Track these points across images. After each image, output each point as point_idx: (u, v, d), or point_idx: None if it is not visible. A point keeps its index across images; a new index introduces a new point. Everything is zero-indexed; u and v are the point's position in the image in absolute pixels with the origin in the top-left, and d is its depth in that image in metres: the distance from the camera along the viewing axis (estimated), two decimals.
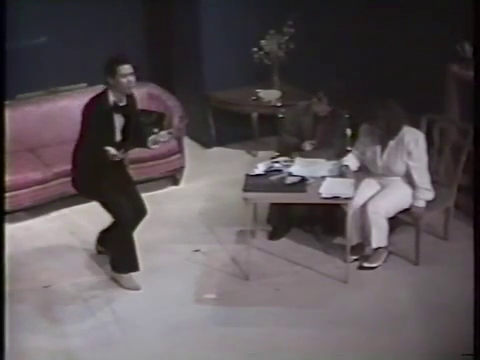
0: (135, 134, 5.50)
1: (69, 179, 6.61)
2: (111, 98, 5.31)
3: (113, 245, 5.64)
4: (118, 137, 5.43)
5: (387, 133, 5.75)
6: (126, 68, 5.25)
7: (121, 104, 5.36)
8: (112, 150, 5.23)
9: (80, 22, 7.42)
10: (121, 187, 5.58)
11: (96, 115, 5.28)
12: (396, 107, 5.72)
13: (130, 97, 5.43)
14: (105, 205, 5.54)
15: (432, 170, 5.94)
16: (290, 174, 5.81)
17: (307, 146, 6.18)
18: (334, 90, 6.15)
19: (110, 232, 5.70)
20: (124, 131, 5.44)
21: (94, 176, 5.38)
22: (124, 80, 5.24)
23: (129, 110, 5.43)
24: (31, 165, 6.69)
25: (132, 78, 5.28)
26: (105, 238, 5.85)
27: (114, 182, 5.49)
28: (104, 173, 5.37)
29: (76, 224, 6.55)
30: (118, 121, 5.39)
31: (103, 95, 5.33)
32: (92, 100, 5.35)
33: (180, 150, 7.22)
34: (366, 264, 5.87)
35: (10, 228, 5.93)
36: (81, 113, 5.35)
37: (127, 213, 5.52)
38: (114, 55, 5.38)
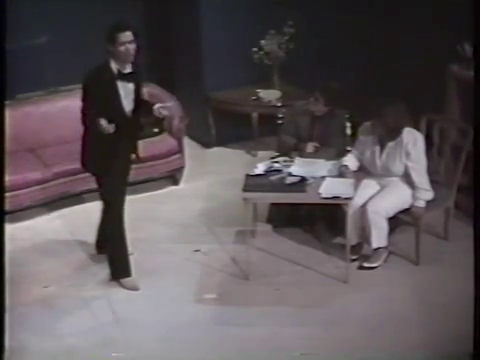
0: (145, 102, 5.41)
1: (69, 179, 6.68)
2: (113, 66, 5.18)
3: (108, 250, 5.65)
4: (129, 106, 5.30)
5: (390, 132, 5.74)
6: (126, 35, 5.10)
7: (125, 71, 5.21)
8: (103, 122, 5.07)
9: (80, 22, 7.41)
10: (126, 166, 5.47)
11: (97, 85, 5.14)
12: (403, 106, 5.72)
13: (136, 64, 5.26)
14: (103, 187, 5.44)
15: (432, 170, 5.94)
16: (290, 174, 5.81)
17: (309, 148, 6.18)
18: (331, 90, 6.16)
19: (106, 235, 5.67)
20: (137, 99, 5.32)
21: (102, 150, 5.27)
22: (123, 48, 5.10)
23: (138, 77, 5.30)
24: (31, 165, 6.69)
25: (132, 46, 5.13)
26: (102, 241, 5.83)
27: (122, 159, 5.37)
28: (112, 147, 5.26)
29: (76, 224, 6.54)
30: (125, 89, 5.25)
31: (104, 64, 5.19)
32: (92, 70, 5.21)
33: (180, 150, 7.22)
34: (366, 264, 5.87)
35: (10, 228, 5.93)
36: (82, 86, 5.23)
37: (121, 206, 5.45)
38: (115, 21, 5.23)
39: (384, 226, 5.79)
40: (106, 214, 5.59)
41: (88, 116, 5.25)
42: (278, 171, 5.87)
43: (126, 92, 5.27)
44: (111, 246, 5.60)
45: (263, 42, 7.58)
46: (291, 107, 6.56)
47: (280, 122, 7.15)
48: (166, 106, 5.44)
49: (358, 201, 5.79)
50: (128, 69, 5.23)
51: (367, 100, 5.84)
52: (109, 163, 5.33)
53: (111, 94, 5.19)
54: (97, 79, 5.17)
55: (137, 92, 5.33)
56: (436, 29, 6.65)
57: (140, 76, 5.37)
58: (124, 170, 5.49)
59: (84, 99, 5.24)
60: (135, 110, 5.35)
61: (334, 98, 6.15)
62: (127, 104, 5.30)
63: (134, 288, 5.63)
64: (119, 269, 5.64)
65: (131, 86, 5.28)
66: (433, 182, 5.88)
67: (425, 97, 6.54)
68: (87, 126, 5.30)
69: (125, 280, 5.64)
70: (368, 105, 5.78)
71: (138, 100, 5.36)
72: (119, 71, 5.19)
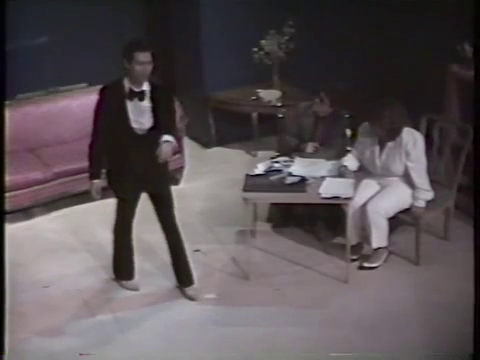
0: (165, 121, 5.24)
1: (69, 179, 6.67)
2: (126, 84, 5.09)
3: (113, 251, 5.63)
4: (146, 124, 5.16)
5: (389, 133, 5.74)
6: (144, 55, 5.00)
7: (138, 90, 5.10)
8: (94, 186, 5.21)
9: (80, 22, 7.42)
10: (142, 183, 5.30)
11: (107, 102, 5.08)
12: (400, 106, 5.71)
13: (154, 82, 5.17)
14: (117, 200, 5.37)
15: (432, 170, 5.94)
16: (290, 174, 5.81)
17: (309, 148, 6.18)
18: (336, 91, 6.16)
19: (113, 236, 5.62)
20: (155, 117, 5.18)
21: (115, 168, 5.24)
22: (139, 68, 5.00)
23: (157, 94, 5.16)
24: (31, 165, 6.69)
25: (149, 67, 5.04)
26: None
27: (137, 177, 5.24)
28: (126, 166, 5.20)
29: (76, 224, 6.55)
30: (138, 108, 5.12)
31: (118, 81, 5.11)
32: (106, 86, 5.15)
33: (180, 150, 7.21)
34: (366, 264, 5.87)
35: (10, 228, 5.93)
36: (96, 100, 5.16)
37: (130, 214, 5.40)
38: (134, 39, 5.17)
39: (384, 226, 5.79)
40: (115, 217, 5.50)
41: (96, 131, 5.18)
42: (278, 171, 5.88)
43: (139, 110, 5.14)
44: (115, 248, 5.58)
45: (263, 42, 7.58)
46: (294, 107, 6.56)
47: (281, 122, 7.14)
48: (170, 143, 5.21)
49: (358, 201, 5.79)
50: (142, 87, 5.11)
51: (366, 100, 5.85)
52: (122, 180, 5.26)
53: (119, 113, 5.10)
54: (108, 96, 5.11)
55: (156, 110, 5.17)
56: (436, 29, 6.65)
57: (161, 93, 5.20)
58: (139, 187, 5.34)
59: (96, 113, 5.15)
60: (154, 128, 5.19)
61: (339, 99, 6.15)
62: (142, 122, 5.17)
63: (135, 288, 5.63)
64: (122, 271, 5.64)
65: (146, 104, 5.14)
66: (433, 182, 5.88)
67: (425, 97, 6.54)
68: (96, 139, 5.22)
69: (126, 281, 5.65)
70: (366, 106, 5.79)
71: (159, 117, 5.19)
72: (131, 89, 5.10)
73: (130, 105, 5.13)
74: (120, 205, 5.40)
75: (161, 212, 5.46)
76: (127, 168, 5.21)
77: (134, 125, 5.17)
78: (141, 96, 5.13)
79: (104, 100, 5.13)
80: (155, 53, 5.10)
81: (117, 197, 5.38)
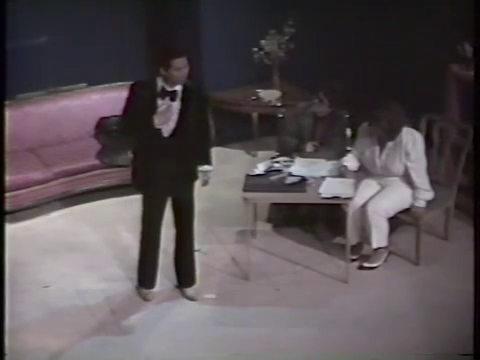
0: (198, 132, 5.27)
1: (69, 179, 6.68)
2: (159, 83, 5.03)
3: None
4: (170, 125, 5.09)
5: (388, 133, 5.75)
6: (181, 61, 4.96)
7: (170, 89, 5.04)
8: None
9: (80, 22, 7.41)
10: (169, 186, 5.26)
11: (136, 98, 5.04)
12: (397, 107, 5.72)
13: (187, 83, 5.11)
14: (143, 206, 5.27)
15: (432, 170, 5.94)
16: (290, 174, 5.81)
17: (308, 147, 6.19)
18: (335, 91, 6.16)
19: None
20: (181, 119, 5.13)
21: (142, 168, 5.22)
22: (178, 73, 4.96)
23: (187, 96, 5.11)
24: (31, 165, 6.68)
25: (185, 70, 4.99)
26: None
27: (163, 179, 5.19)
28: (152, 167, 5.16)
29: (76, 224, 6.54)
30: (166, 106, 5.05)
31: (149, 79, 5.09)
32: (135, 82, 5.12)
33: None
34: (366, 264, 5.87)
35: (10, 228, 5.93)
36: (126, 96, 5.13)
37: (152, 220, 5.31)
38: (168, 46, 5.13)
39: (384, 226, 5.80)
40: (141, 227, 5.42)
41: (121, 127, 5.23)
42: (278, 171, 5.88)
43: (167, 109, 5.08)
44: (141, 254, 5.47)
45: (263, 42, 7.58)
46: (293, 107, 6.56)
47: (281, 122, 7.14)
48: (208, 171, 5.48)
49: (358, 201, 5.79)
50: (175, 87, 5.06)
51: (366, 100, 5.85)
52: (148, 179, 5.23)
53: (149, 111, 5.03)
54: (138, 93, 5.06)
55: (185, 112, 5.12)
56: (436, 29, 6.65)
57: (192, 94, 5.15)
58: (164, 189, 5.27)
59: (125, 108, 5.12)
60: (179, 131, 5.15)
61: (338, 99, 6.15)
62: (168, 123, 5.11)
63: (150, 299, 5.54)
64: (146, 278, 5.52)
65: (176, 105, 5.09)
66: (433, 182, 5.88)
67: (425, 97, 6.54)
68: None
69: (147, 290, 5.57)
70: (365, 106, 5.79)
71: (185, 120, 5.15)
72: (163, 88, 5.04)
73: (161, 104, 5.06)
74: (146, 207, 5.29)
75: (180, 217, 5.39)
76: (152, 168, 5.17)
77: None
78: (173, 96, 5.07)
79: (134, 96, 5.08)
80: (190, 56, 5.05)
81: (143, 195, 5.28)
